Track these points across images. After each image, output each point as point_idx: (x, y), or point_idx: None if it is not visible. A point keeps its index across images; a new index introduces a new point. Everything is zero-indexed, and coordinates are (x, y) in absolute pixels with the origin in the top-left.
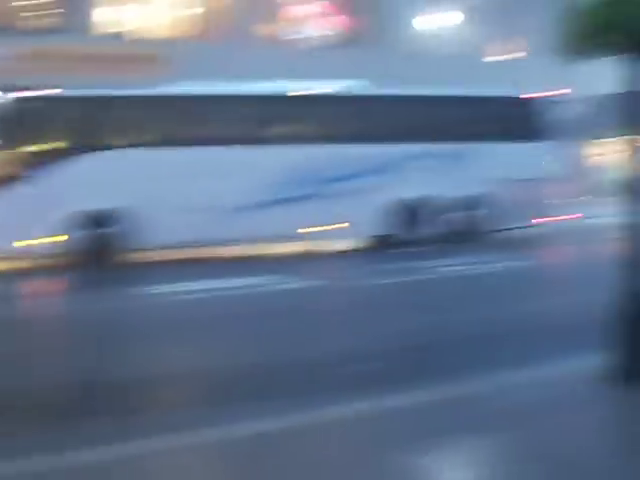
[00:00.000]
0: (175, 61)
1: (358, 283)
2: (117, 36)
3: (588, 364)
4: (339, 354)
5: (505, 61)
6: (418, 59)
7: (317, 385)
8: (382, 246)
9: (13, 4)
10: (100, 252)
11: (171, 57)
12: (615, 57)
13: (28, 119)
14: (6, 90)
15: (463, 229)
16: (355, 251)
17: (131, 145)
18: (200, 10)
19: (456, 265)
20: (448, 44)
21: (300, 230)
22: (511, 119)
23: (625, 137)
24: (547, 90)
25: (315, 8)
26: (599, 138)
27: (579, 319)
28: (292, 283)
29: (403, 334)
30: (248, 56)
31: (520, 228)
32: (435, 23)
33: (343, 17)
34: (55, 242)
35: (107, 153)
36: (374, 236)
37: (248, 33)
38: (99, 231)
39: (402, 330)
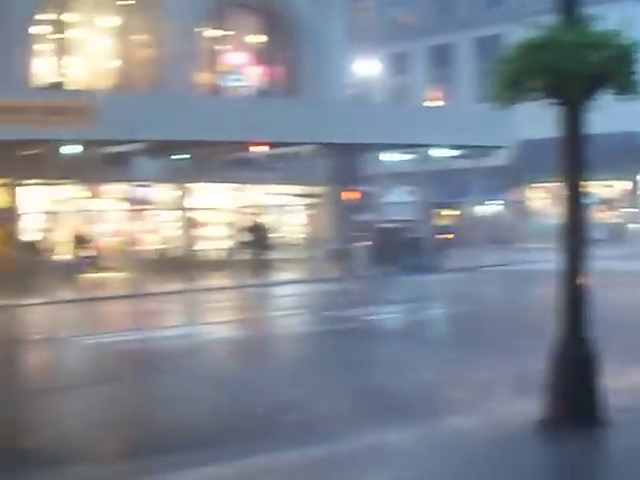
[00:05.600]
0: (107, 112)
1: None
2: (49, 88)
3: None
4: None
5: (439, 108)
6: (350, 108)
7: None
8: None
9: None
10: None
11: (102, 108)
12: (541, 102)
13: None
14: None
15: None
16: None
17: None
18: (132, 61)
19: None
20: (378, 92)
21: None
22: None
23: (560, 182)
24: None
25: (246, 57)
26: (533, 183)
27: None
28: None
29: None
30: (182, 106)
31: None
32: (365, 71)
33: (275, 67)
34: None
35: None
36: None
37: (182, 82)
38: None
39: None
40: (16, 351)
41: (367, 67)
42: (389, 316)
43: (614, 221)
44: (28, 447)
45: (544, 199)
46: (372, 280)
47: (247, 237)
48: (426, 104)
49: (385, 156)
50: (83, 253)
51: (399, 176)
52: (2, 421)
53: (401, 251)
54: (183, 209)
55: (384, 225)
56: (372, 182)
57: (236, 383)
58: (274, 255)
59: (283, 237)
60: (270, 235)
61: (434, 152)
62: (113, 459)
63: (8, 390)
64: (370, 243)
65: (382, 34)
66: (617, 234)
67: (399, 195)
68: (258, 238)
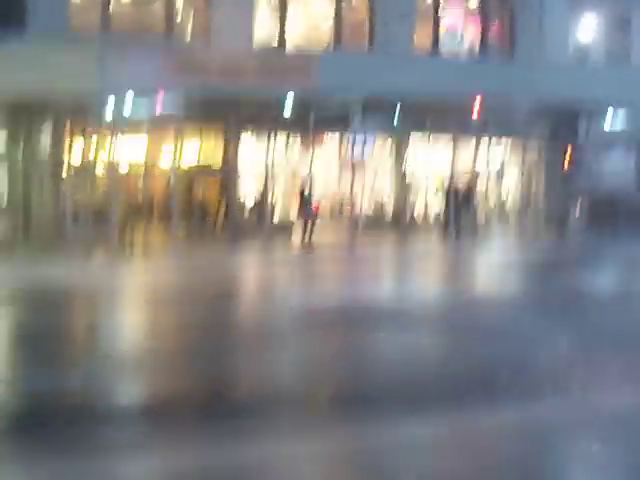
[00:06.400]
0: (325, 70)
1: None
2: (269, 47)
3: None
4: None
5: None
6: (570, 69)
7: None
8: None
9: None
10: None
11: (321, 66)
12: None
13: None
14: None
15: None
16: None
17: None
18: (349, 20)
19: None
20: (598, 53)
21: None
22: None
23: None
24: None
25: (464, 18)
26: None
27: None
28: None
29: None
30: (400, 64)
31: None
32: (585, 31)
33: (494, 27)
34: None
35: None
36: None
37: (400, 41)
38: None
39: None
40: (225, 306)
41: (588, 27)
42: (608, 283)
43: None
44: (238, 398)
45: None
46: (588, 246)
47: (457, 200)
48: None
49: (605, 119)
50: (299, 211)
51: (618, 141)
52: (209, 372)
53: (619, 218)
54: (399, 170)
55: (602, 191)
56: (590, 146)
57: (456, 346)
58: (487, 219)
59: (497, 201)
60: (480, 198)
61: None
62: (324, 410)
63: (212, 343)
64: (586, 209)
65: None
66: None
67: (618, 160)
68: (467, 201)
